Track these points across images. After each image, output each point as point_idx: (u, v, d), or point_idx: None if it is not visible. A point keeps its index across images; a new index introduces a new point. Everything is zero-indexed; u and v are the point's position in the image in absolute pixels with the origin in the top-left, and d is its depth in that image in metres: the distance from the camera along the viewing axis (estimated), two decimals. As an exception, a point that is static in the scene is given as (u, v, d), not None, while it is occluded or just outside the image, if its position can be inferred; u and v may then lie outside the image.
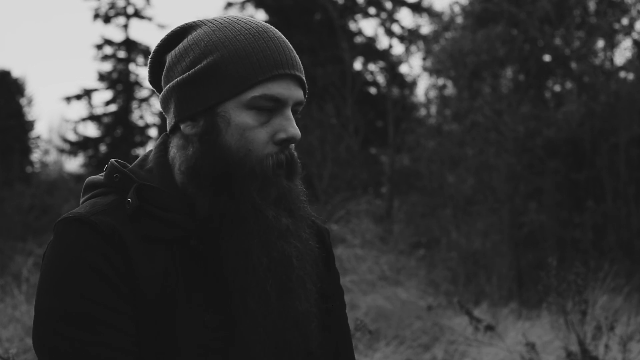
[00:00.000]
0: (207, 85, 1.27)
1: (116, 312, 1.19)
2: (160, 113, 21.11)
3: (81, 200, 1.34)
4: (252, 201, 1.25)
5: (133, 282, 1.20)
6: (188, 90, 1.28)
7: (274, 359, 1.27)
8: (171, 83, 1.31)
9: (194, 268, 1.25)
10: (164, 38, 1.36)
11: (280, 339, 1.27)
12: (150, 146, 21.44)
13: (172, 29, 1.37)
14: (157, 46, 1.37)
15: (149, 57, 1.39)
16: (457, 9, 15.22)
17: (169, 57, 1.34)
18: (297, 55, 1.32)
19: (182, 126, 1.29)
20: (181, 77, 1.29)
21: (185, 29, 1.34)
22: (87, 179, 1.36)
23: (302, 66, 1.33)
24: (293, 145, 1.32)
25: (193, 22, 1.36)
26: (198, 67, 1.28)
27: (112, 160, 1.33)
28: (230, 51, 1.27)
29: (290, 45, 1.32)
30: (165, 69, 1.34)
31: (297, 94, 1.30)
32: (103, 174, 1.34)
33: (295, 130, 1.28)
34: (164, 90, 1.33)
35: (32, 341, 1.23)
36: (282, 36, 1.32)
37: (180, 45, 1.33)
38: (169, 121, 1.34)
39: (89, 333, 1.17)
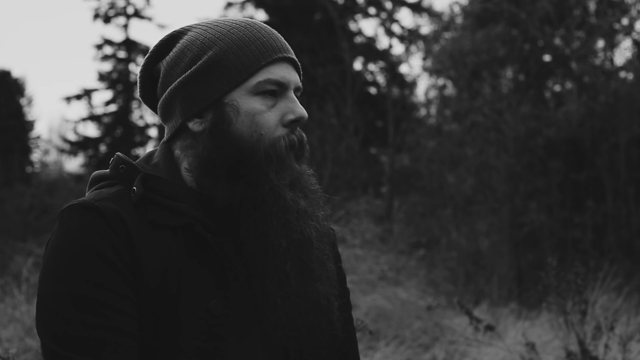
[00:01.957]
0: (211, 79, 1.29)
1: (120, 295, 1.19)
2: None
3: (86, 194, 1.34)
4: (270, 183, 1.26)
5: (136, 268, 1.21)
6: (192, 87, 1.30)
7: (297, 342, 1.28)
8: (172, 85, 1.32)
9: (199, 255, 1.26)
10: (152, 49, 1.37)
11: (303, 321, 1.28)
12: (150, 146, 21.46)
13: (159, 39, 1.38)
14: (147, 58, 1.37)
15: (139, 70, 1.39)
16: (457, 9, 15.23)
17: (163, 64, 1.35)
18: (286, 42, 1.37)
19: (190, 124, 1.30)
20: (182, 76, 1.30)
21: (174, 36, 1.36)
22: (93, 173, 1.36)
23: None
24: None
25: (181, 28, 1.38)
26: (199, 63, 1.29)
27: (118, 153, 1.34)
28: (228, 43, 1.30)
29: (279, 33, 1.36)
30: (161, 76, 1.35)
31: (296, 77, 1.34)
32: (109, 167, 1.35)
33: (302, 110, 1.31)
34: (165, 94, 1.34)
35: (36, 326, 1.22)
36: (269, 26, 1.36)
37: (174, 49, 1.34)
38: (172, 125, 1.34)
39: (94, 316, 1.17)
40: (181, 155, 1.33)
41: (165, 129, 1.37)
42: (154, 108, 1.42)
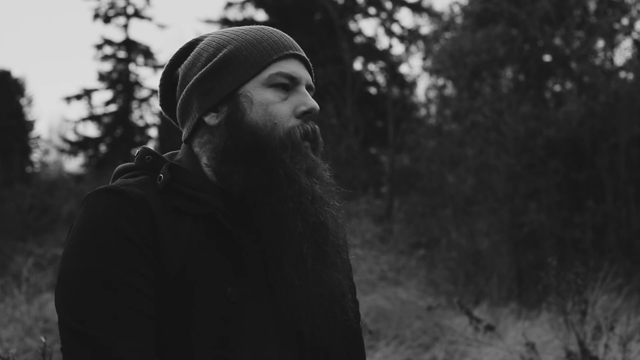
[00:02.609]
0: (225, 74, 1.35)
1: (142, 276, 1.22)
2: (161, 113, 21.21)
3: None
4: (285, 168, 1.30)
5: (158, 252, 1.24)
6: (208, 82, 1.36)
7: (310, 327, 1.31)
8: (189, 84, 1.38)
9: (219, 242, 1.28)
10: (172, 57, 1.44)
11: (318, 306, 1.30)
12: (150, 146, 21.46)
13: (178, 47, 1.45)
14: (166, 66, 1.44)
15: (160, 79, 1.46)
16: (457, 9, 15.22)
17: (180, 69, 1.41)
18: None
19: (206, 118, 1.36)
20: (199, 74, 1.36)
21: (191, 44, 1.43)
22: (118, 166, 1.40)
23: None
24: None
25: (198, 36, 1.45)
26: (214, 61, 1.36)
27: (144, 146, 1.40)
28: (242, 41, 1.37)
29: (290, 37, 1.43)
30: (179, 79, 1.41)
31: (307, 75, 1.39)
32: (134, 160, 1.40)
33: (314, 102, 1.36)
34: (182, 94, 1.39)
35: (55, 303, 1.25)
36: (280, 30, 1.43)
37: (191, 55, 1.41)
38: (189, 125, 1.39)
39: (115, 295, 1.19)
40: (200, 151, 1.38)
41: (184, 132, 1.41)
42: (173, 116, 1.47)
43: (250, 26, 1.43)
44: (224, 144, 1.32)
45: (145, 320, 1.21)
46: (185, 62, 1.40)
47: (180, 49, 1.44)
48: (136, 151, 1.41)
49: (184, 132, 1.41)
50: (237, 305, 1.26)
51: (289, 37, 1.41)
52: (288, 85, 1.35)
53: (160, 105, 1.47)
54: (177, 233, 1.26)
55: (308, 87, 1.39)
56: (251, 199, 1.31)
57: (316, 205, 1.31)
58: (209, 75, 1.35)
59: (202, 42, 1.41)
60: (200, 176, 1.35)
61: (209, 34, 1.43)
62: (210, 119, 1.35)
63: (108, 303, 1.19)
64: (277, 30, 1.41)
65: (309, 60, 1.42)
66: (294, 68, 1.37)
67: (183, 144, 1.42)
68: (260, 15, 18.17)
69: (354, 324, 1.38)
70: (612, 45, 13.20)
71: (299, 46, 1.41)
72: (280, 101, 1.34)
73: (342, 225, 1.39)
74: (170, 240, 1.25)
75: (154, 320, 1.22)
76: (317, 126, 1.38)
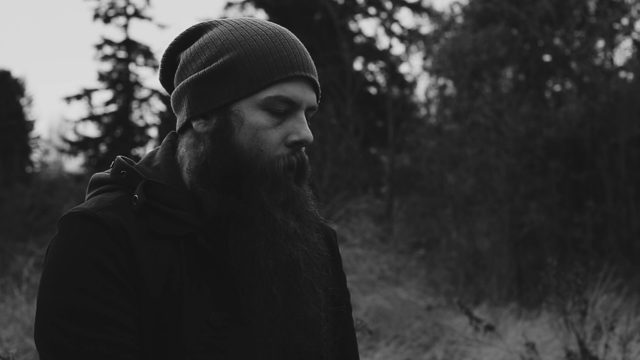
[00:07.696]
0: (222, 83, 1.26)
1: (119, 308, 1.18)
2: (161, 113, 21.21)
3: (86, 197, 1.33)
4: (261, 202, 1.24)
5: (137, 280, 1.20)
6: (202, 87, 1.28)
7: None
8: (185, 80, 1.31)
9: (200, 265, 1.24)
10: (178, 37, 1.35)
11: (289, 343, 1.26)
12: (150, 146, 21.45)
13: (187, 27, 1.36)
14: (170, 44, 1.36)
15: (162, 55, 1.38)
16: (457, 9, 15.23)
17: (182, 56, 1.33)
18: (311, 59, 1.32)
19: (194, 124, 1.29)
20: (196, 74, 1.29)
21: (200, 28, 1.34)
22: (93, 176, 1.35)
23: (316, 71, 1.32)
24: (303, 148, 1.31)
25: (209, 21, 1.35)
26: (214, 65, 1.27)
27: (119, 157, 1.32)
28: (247, 50, 1.27)
29: (305, 49, 1.32)
30: (179, 67, 1.34)
31: (311, 97, 1.29)
32: (109, 170, 1.33)
33: (308, 133, 1.27)
34: (177, 87, 1.33)
35: (34, 335, 1.22)
36: (297, 39, 1.32)
37: (196, 43, 1.32)
38: (180, 119, 1.33)
39: (90, 329, 1.16)
40: (185, 154, 1.32)
41: (177, 121, 1.36)
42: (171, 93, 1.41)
43: (266, 27, 1.30)
44: (205, 159, 1.26)
45: (124, 354, 1.17)
46: (189, 49, 1.32)
47: (188, 30, 1.34)
48: (112, 162, 1.30)
49: (177, 123, 1.35)
50: (220, 331, 1.23)
51: (301, 50, 1.29)
52: (285, 109, 1.26)
53: (160, 80, 1.41)
54: (157, 257, 1.22)
55: (310, 109, 1.30)
56: (223, 225, 1.25)
57: (289, 244, 1.25)
58: (204, 80, 1.27)
59: (210, 32, 1.31)
60: (179, 190, 1.28)
61: (220, 23, 1.33)
62: (198, 126, 1.28)
63: (84, 338, 1.16)
64: (292, 39, 1.29)
65: (317, 80, 1.30)
66: (296, 92, 1.26)
67: (168, 137, 1.37)
68: (260, 15, 18.16)
69: (329, 354, 1.33)
70: (612, 45, 13.20)
71: (309, 63, 1.29)
72: (273, 127, 1.25)
73: (319, 255, 1.32)
74: (149, 265, 1.20)
75: (135, 354, 1.18)
76: (305, 157, 1.30)
